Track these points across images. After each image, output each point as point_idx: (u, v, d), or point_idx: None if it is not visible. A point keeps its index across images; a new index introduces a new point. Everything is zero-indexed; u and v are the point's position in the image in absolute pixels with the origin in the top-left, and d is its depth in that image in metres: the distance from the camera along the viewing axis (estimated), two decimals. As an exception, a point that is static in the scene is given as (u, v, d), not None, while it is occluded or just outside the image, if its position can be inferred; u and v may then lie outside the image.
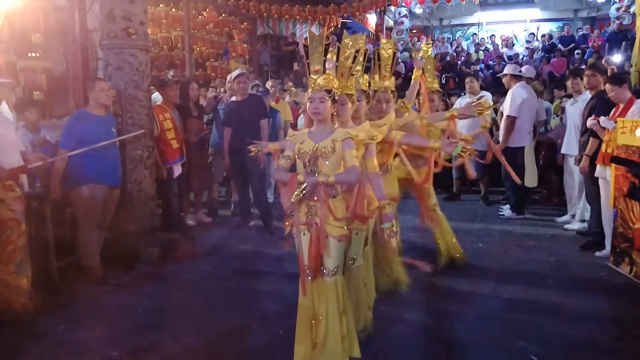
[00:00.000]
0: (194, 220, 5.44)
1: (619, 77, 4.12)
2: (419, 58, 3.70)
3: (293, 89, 6.90)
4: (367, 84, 3.00)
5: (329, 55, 2.33)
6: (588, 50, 11.38)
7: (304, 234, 2.39)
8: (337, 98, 2.37)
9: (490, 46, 14.11)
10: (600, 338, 2.80)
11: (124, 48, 4.12)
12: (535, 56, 12.27)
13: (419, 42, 14.45)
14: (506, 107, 5.41)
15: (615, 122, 3.82)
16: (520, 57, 12.65)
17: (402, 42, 14.75)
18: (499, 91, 6.88)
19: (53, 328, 2.99)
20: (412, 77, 3.68)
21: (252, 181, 5.12)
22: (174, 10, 9.41)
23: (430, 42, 4.58)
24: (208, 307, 3.32)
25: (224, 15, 10.71)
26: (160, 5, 9.44)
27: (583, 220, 4.94)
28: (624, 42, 10.21)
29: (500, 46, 13.84)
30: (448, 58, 12.57)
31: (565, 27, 14.27)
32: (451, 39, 16.60)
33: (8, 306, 3.06)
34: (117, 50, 4.13)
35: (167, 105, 4.85)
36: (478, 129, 4.34)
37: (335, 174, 2.26)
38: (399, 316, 3.10)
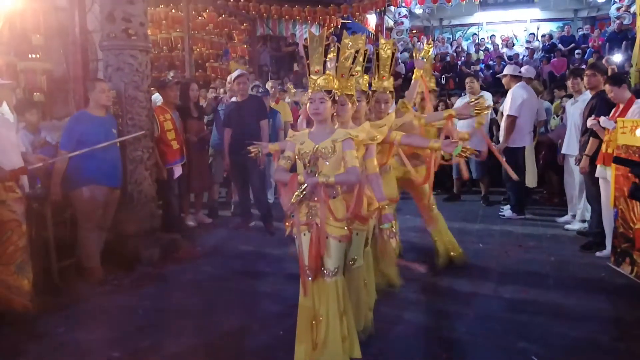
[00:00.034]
0: (195, 221, 5.44)
1: (618, 78, 4.12)
2: (420, 58, 3.70)
3: (292, 89, 6.91)
4: (367, 85, 3.00)
5: (329, 56, 2.33)
6: (588, 50, 11.36)
7: (304, 234, 2.39)
8: (337, 99, 2.37)
9: (490, 46, 14.10)
10: (601, 338, 2.79)
11: (124, 49, 4.12)
12: (535, 56, 12.26)
13: (419, 43, 14.47)
14: (506, 107, 5.41)
15: (615, 122, 3.82)
16: (521, 57, 12.64)
17: (402, 42, 14.74)
18: (499, 91, 6.88)
19: (53, 329, 2.99)
20: (413, 77, 3.69)
21: (252, 182, 5.12)
22: (173, 11, 9.41)
23: (432, 42, 4.59)
24: (208, 307, 3.32)
25: (223, 16, 10.72)
26: (160, 6, 9.44)
27: (583, 221, 4.94)
28: (624, 42, 10.21)
29: (500, 46, 13.83)
30: (448, 58, 12.57)
31: (566, 27, 14.27)
32: (451, 39, 16.60)
33: (9, 307, 3.07)
34: (117, 51, 4.13)
35: (168, 106, 4.85)
36: (475, 125, 4.34)
37: (336, 174, 2.26)
38: (400, 317, 3.10)
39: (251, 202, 5.36)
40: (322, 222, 2.30)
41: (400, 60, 11.88)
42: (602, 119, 4.01)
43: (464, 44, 14.88)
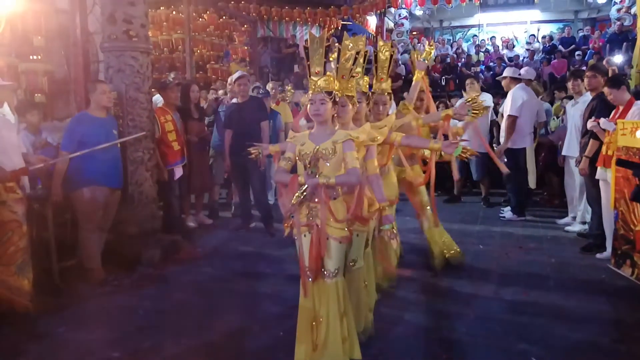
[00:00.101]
0: (195, 222, 5.44)
1: (617, 80, 4.12)
2: (421, 60, 3.70)
3: (290, 90, 6.90)
4: (368, 86, 3.00)
5: (330, 57, 2.33)
6: (589, 52, 11.38)
7: (304, 235, 2.39)
8: (337, 100, 2.37)
9: (490, 48, 14.11)
10: (602, 340, 2.79)
11: (125, 50, 4.13)
12: (535, 57, 12.27)
13: (420, 44, 14.48)
14: (506, 108, 5.41)
15: (615, 123, 3.83)
16: (521, 58, 12.65)
17: (402, 43, 14.76)
18: (500, 93, 6.88)
19: (54, 329, 3.00)
20: (413, 78, 3.70)
21: (252, 183, 5.12)
22: (174, 12, 9.44)
23: (433, 43, 4.58)
24: (209, 308, 3.32)
25: (224, 17, 10.75)
26: (161, 8, 9.48)
27: (584, 222, 4.93)
28: (624, 43, 10.22)
29: (500, 48, 13.85)
30: (448, 60, 12.58)
31: (566, 28, 14.27)
32: (451, 41, 16.60)
33: (9, 307, 3.07)
34: (118, 53, 4.14)
35: (168, 107, 4.86)
36: (467, 118, 4.28)
37: (336, 175, 2.27)
38: (400, 317, 3.10)
39: (252, 203, 5.36)
40: (323, 223, 2.30)
41: (400, 62, 11.88)
42: (602, 120, 4.01)
43: (464, 46, 14.90)
